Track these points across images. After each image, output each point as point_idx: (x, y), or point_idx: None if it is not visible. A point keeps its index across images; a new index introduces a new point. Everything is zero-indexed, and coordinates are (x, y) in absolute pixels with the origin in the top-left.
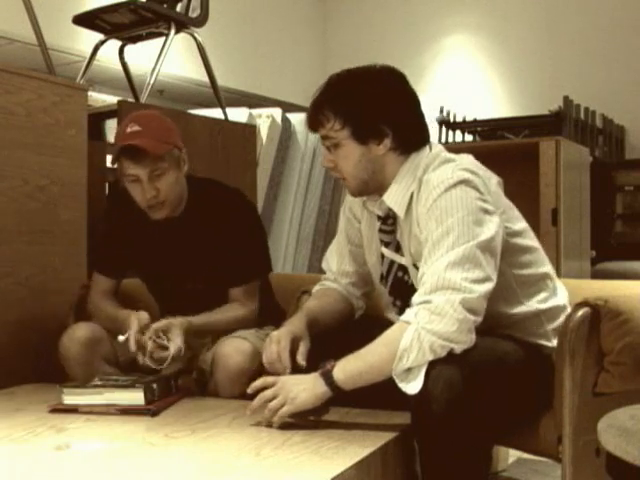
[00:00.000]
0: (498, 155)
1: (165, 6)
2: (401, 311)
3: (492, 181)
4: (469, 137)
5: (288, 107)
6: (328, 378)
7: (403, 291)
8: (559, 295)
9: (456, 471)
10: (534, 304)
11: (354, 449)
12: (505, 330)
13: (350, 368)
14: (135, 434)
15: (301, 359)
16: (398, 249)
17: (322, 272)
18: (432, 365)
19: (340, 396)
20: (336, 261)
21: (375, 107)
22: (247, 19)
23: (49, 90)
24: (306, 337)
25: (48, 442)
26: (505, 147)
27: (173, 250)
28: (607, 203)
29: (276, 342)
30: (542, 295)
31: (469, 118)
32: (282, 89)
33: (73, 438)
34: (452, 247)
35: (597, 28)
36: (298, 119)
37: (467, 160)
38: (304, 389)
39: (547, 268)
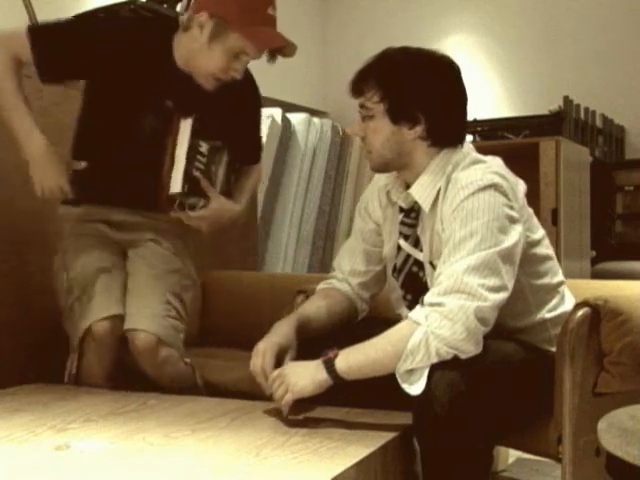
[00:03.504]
0: (498, 155)
1: (165, 6)
2: (411, 305)
3: (519, 188)
4: (469, 137)
5: (288, 107)
6: (329, 366)
7: (416, 286)
8: (567, 302)
9: (457, 471)
10: (544, 313)
11: (354, 449)
12: (510, 334)
13: (353, 359)
14: (135, 434)
15: (268, 390)
16: (416, 244)
17: (322, 272)
18: (435, 366)
19: (341, 392)
20: (348, 260)
21: (417, 92)
22: None
23: (49, 90)
24: (293, 347)
25: (48, 442)
26: (505, 147)
27: (179, 104)
28: (607, 203)
29: (261, 356)
30: (552, 303)
31: (469, 118)
32: (282, 89)
33: (73, 438)
34: (473, 251)
35: (597, 28)
36: (298, 119)
37: (497, 163)
38: (304, 376)
39: (560, 277)
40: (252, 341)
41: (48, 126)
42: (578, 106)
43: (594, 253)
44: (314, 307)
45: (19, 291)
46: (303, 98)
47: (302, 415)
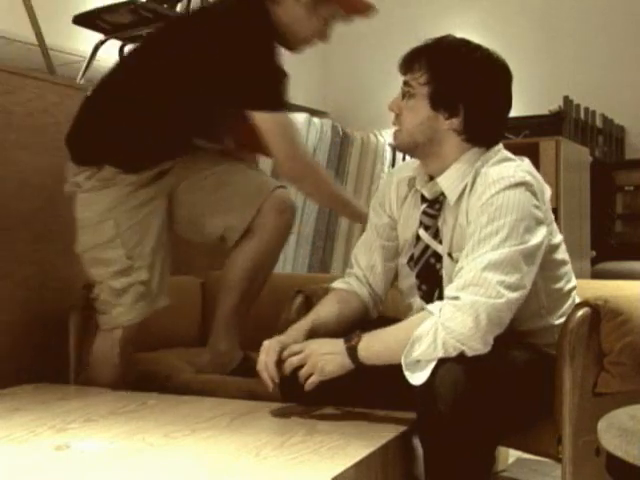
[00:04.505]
0: None
1: (165, 6)
2: (425, 295)
3: (546, 191)
4: None
5: (288, 107)
6: (352, 353)
7: (431, 278)
8: None
9: (460, 470)
10: (554, 319)
11: (354, 449)
12: (517, 337)
13: (372, 346)
14: (135, 434)
15: (288, 368)
16: (436, 236)
17: (322, 272)
18: (440, 363)
19: (342, 392)
20: (365, 256)
21: (463, 85)
22: None
23: (49, 90)
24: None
25: (48, 442)
26: (505, 147)
27: None
28: (607, 203)
29: (265, 352)
30: (563, 309)
31: None
32: None
33: (73, 438)
34: (497, 247)
35: (597, 28)
36: (298, 119)
37: (527, 162)
38: (331, 360)
39: (574, 282)
40: (252, 341)
41: (48, 126)
42: (578, 106)
43: (594, 253)
44: (326, 311)
45: (20, 291)
46: (303, 98)
47: (302, 415)
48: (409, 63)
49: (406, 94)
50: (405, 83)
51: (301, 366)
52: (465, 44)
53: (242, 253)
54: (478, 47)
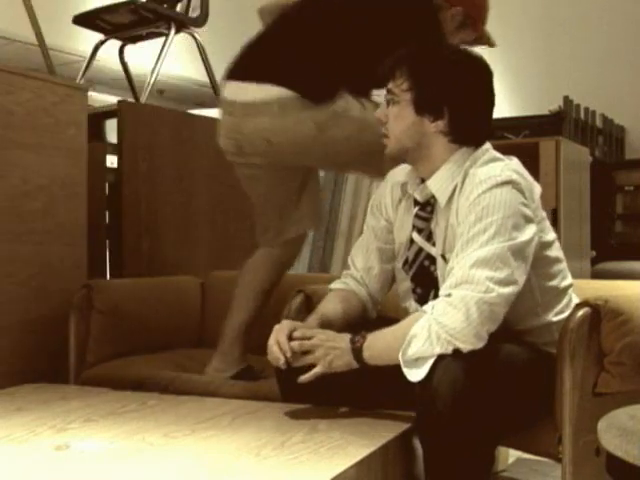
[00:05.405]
0: None
1: (165, 6)
2: (420, 298)
3: (535, 189)
4: None
5: None
6: (357, 354)
7: (426, 280)
8: (572, 307)
9: (460, 469)
10: (551, 316)
11: (354, 449)
12: (515, 335)
13: (374, 346)
14: (135, 434)
15: (297, 347)
16: (429, 238)
17: (322, 272)
18: (439, 363)
19: (342, 393)
20: (362, 258)
21: (445, 87)
22: (247, 19)
23: (49, 90)
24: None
25: (48, 442)
26: (505, 147)
27: None
28: (607, 203)
29: (277, 330)
30: (559, 307)
31: None
32: None
33: (73, 438)
34: (485, 244)
35: (597, 28)
36: None
37: (515, 162)
38: (339, 356)
39: (569, 280)
40: (252, 341)
41: (48, 126)
42: (578, 106)
43: (594, 253)
44: (330, 309)
45: (20, 291)
46: None
47: (302, 415)
48: (391, 71)
49: (390, 102)
50: (389, 91)
51: (303, 366)
52: (443, 47)
53: (264, 269)
54: (456, 49)
